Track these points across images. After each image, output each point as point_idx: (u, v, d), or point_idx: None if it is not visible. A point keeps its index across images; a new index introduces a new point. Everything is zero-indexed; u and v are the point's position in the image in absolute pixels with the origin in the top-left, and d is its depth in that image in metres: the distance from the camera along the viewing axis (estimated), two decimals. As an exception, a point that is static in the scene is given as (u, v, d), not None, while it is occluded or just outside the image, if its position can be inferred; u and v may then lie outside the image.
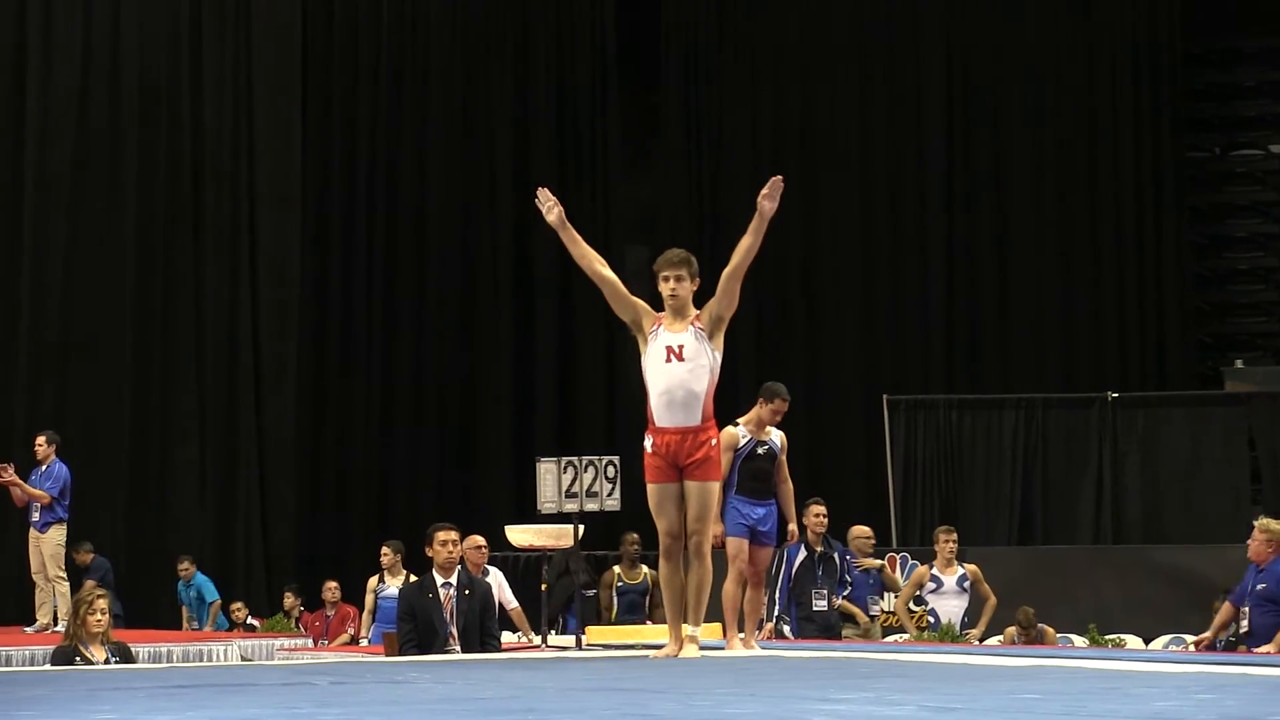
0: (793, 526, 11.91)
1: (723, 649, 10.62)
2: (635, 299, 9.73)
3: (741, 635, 11.05)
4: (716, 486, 9.71)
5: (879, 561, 16.03)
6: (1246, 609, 13.07)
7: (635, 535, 16.63)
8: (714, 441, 9.57)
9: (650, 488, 9.64)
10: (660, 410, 9.51)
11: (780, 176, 9.60)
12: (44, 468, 16.75)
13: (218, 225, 22.40)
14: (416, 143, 24.12)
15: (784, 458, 11.61)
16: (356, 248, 23.74)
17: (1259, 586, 12.99)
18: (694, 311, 9.58)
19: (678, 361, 9.45)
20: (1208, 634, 13.55)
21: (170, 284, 22.10)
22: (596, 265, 9.78)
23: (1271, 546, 13.01)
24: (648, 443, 9.59)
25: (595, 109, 24.86)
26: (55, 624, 16.31)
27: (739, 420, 11.50)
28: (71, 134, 21.72)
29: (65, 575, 16.57)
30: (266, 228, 22.63)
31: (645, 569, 16.95)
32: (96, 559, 19.19)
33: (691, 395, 9.46)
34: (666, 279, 9.55)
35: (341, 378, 23.55)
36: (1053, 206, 24.97)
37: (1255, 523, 13.30)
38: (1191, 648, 13.35)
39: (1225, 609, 13.49)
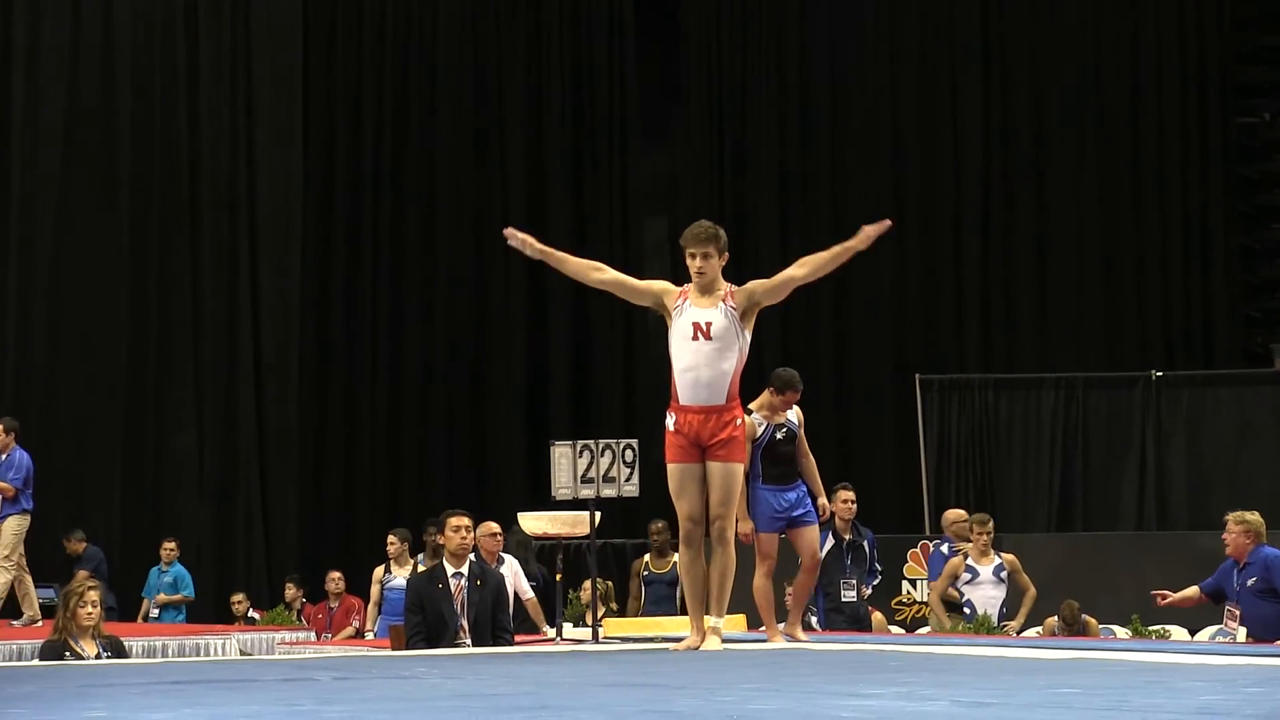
0: (823, 501, 11.88)
1: (748, 641, 10.60)
2: (648, 283, 9.77)
3: (781, 625, 11.04)
4: (741, 469, 9.72)
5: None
6: (1237, 611, 12.98)
7: (662, 523, 16.54)
8: (739, 422, 9.58)
9: (671, 468, 9.63)
10: (684, 388, 9.52)
11: (890, 222, 9.54)
12: (4, 457, 16.53)
13: (216, 218, 22.43)
14: (424, 118, 24.06)
15: (803, 433, 11.58)
16: (362, 228, 23.68)
17: (1249, 582, 12.86)
18: (726, 287, 9.57)
19: (704, 340, 9.45)
20: (1174, 596, 13.50)
21: (167, 278, 22.15)
22: (594, 274, 9.82)
23: (1250, 537, 12.94)
24: (670, 421, 9.59)
25: (613, 77, 24.80)
26: None
27: (750, 407, 11.46)
28: (62, 127, 21.75)
29: (12, 564, 16.37)
30: (268, 219, 22.65)
31: (675, 558, 16.85)
32: (89, 548, 19.17)
33: (718, 374, 9.47)
34: (693, 256, 9.55)
35: (347, 366, 23.51)
36: (1094, 176, 24.87)
37: (1228, 517, 13.19)
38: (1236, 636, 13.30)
39: (1194, 591, 13.46)
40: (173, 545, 20.05)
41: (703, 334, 9.46)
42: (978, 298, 24.78)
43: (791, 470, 11.41)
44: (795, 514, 11.34)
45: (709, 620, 9.65)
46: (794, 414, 11.50)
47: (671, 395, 9.62)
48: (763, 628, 11.35)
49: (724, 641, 9.65)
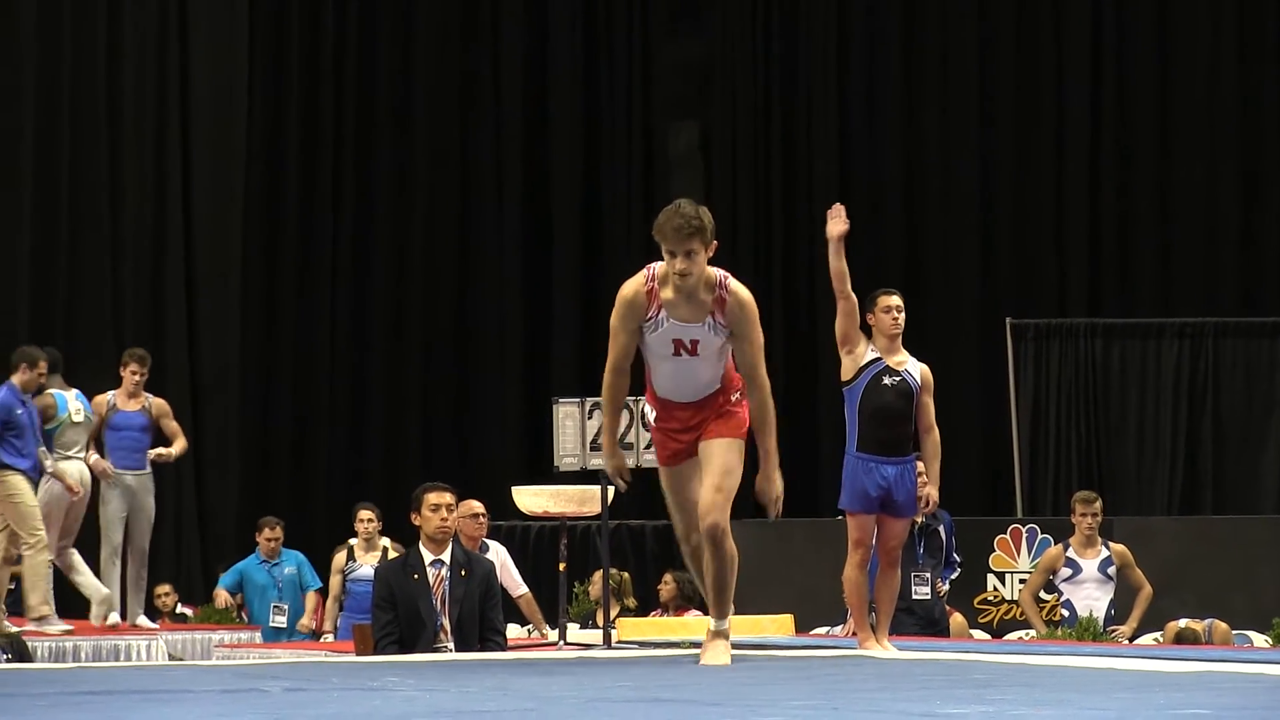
0: (930, 491, 11.76)
1: (797, 647, 10.62)
2: (615, 323, 9.52)
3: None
4: (741, 445, 9.59)
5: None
6: None
7: None
8: (736, 397, 9.55)
9: (663, 472, 9.67)
10: (665, 387, 9.56)
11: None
12: None
13: (139, 113, 22.48)
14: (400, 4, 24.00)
15: (929, 398, 11.49)
16: (321, 134, 23.61)
17: None
18: (712, 295, 9.36)
19: (689, 356, 9.43)
20: None
21: (79, 202, 22.22)
22: (621, 381, 9.66)
23: None
24: (650, 415, 9.58)
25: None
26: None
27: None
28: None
29: (36, 540, 16.15)
30: (203, 121, 22.72)
31: None
32: None
33: (711, 376, 9.49)
34: (673, 255, 9.30)
35: (300, 299, 23.46)
36: (1232, 73, 24.63)
37: None
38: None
39: None
40: (276, 531, 19.33)
41: (687, 351, 9.43)
42: (1083, 222, 24.64)
43: (900, 437, 11.26)
44: (896, 496, 11.24)
45: (711, 623, 9.61)
46: (916, 366, 11.40)
47: (646, 384, 9.60)
48: (839, 628, 11.37)
49: (732, 647, 9.58)
